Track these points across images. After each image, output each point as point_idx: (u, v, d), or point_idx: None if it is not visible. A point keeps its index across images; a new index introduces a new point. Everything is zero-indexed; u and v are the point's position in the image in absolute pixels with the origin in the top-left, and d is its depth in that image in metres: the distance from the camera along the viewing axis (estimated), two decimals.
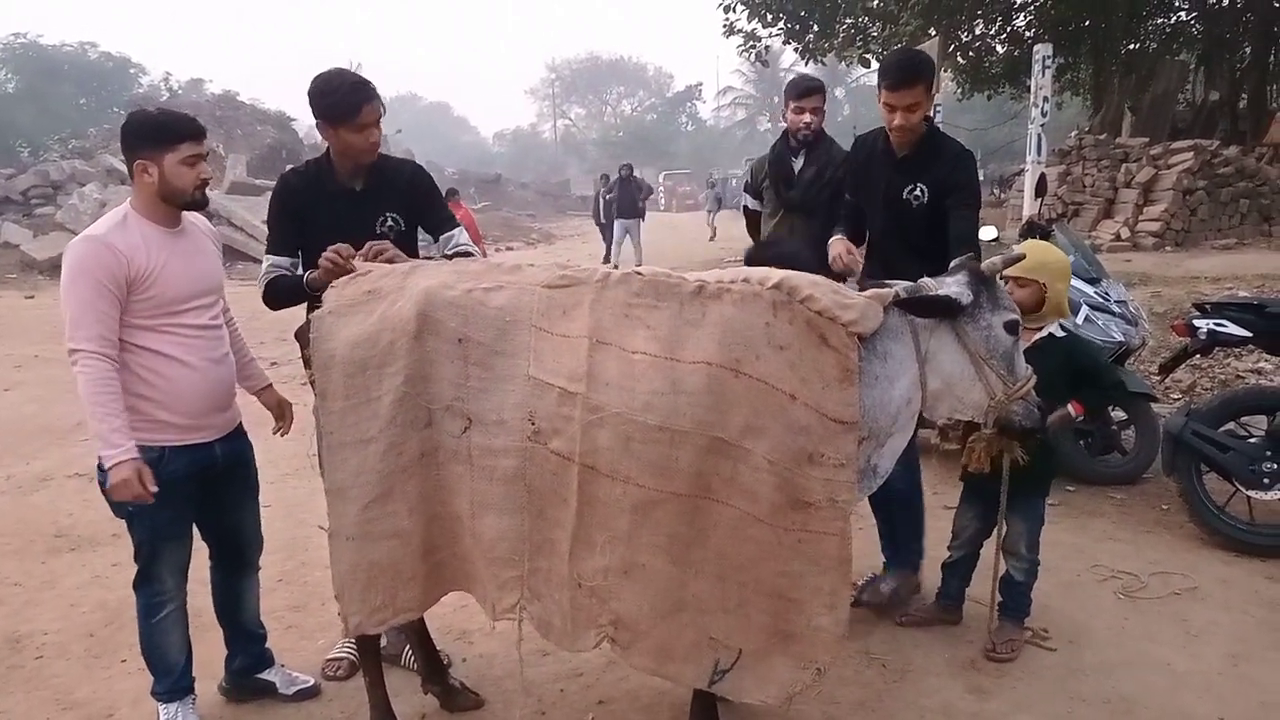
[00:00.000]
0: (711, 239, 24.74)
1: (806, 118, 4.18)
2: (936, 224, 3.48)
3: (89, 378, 2.68)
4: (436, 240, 3.29)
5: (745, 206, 4.65)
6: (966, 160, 3.63)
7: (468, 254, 3.16)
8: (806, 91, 4.20)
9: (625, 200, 17.24)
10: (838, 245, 3.66)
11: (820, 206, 4.16)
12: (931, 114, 3.70)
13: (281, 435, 3.32)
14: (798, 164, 4.25)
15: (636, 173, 18.46)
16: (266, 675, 3.29)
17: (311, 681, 3.32)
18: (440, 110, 79.46)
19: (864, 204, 3.80)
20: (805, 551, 2.43)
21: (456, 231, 3.26)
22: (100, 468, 2.92)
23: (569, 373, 2.43)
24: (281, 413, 3.31)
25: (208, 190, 2.93)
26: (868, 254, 3.82)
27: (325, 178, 3.20)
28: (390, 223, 3.19)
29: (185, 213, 2.95)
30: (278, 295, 3.12)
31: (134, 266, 2.74)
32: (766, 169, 4.40)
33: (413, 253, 3.02)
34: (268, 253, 3.22)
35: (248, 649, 3.29)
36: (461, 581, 2.72)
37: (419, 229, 3.31)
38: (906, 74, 3.44)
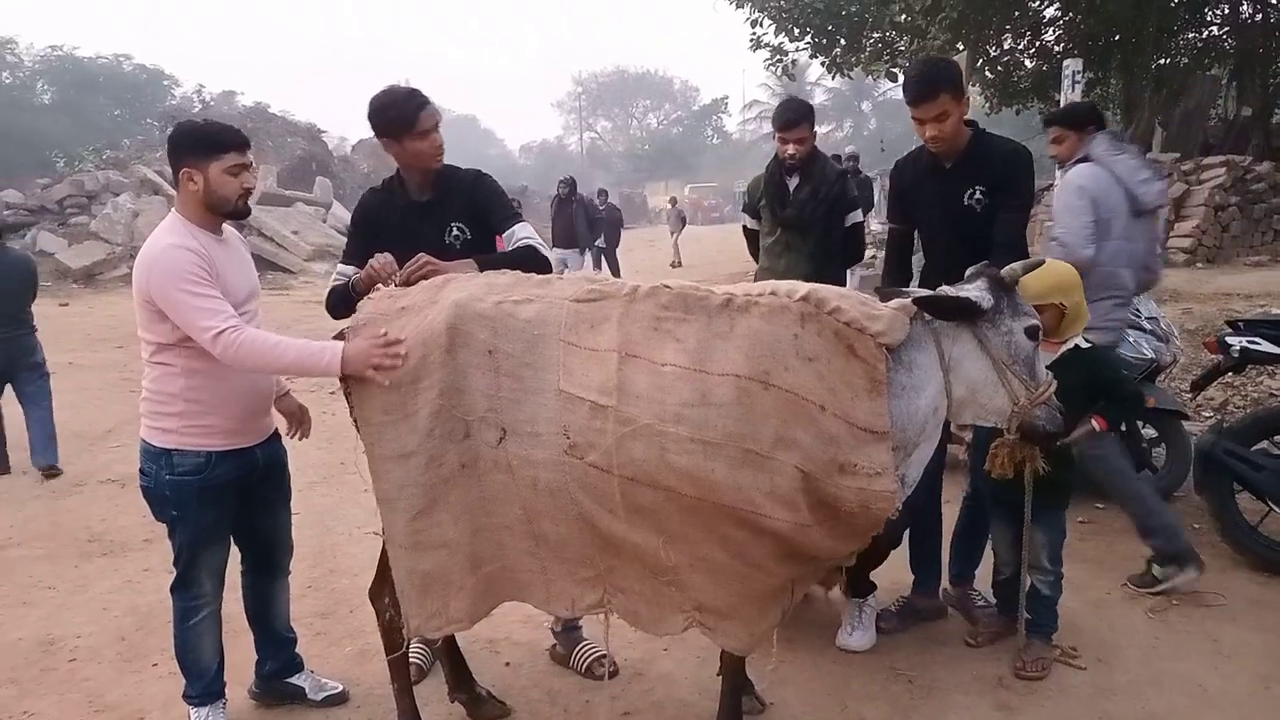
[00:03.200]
0: (675, 264, 21.92)
1: (790, 149, 4.22)
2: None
3: (249, 346, 2.70)
4: (501, 237, 3.26)
5: (744, 226, 4.70)
6: (1019, 158, 3.55)
7: (530, 249, 3.13)
8: (787, 125, 4.23)
9: (561, 225, 13.98)
10: None
11: (815, 224, 4.23)
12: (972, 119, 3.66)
13: (299, 439, 3.32)
14: (792, 183, 4.31)
15: (593, 190, 16.15)
16: (296, 680, 3.33)
17: (340, 688, 3.35)
18: (467, 123, 79.94)
19: (920, 224, 3.78)
20: (837, 534, 2.53)
21: (518, 226, 3.23)
22: (143, 471, 2.96)
23: (599, 386, 2.45)
24: (300, 418, 3.32)
25: (248, 201, 2.99)
26: (929, 270, 3.73)
27: (396, 193, 3.31)
28: (456, 232, 3.24)
29: (224, 222, 3.00)
30: (333, 302, 3.21)
31: (211, 269, 2.79)
32: (763, 189, 4.44)
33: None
34: (340, 262, 3.35)
35: (278, 653, 3.33)
36: (511, 592, 2.76)
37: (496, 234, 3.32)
38: (926, 87, 3.42)
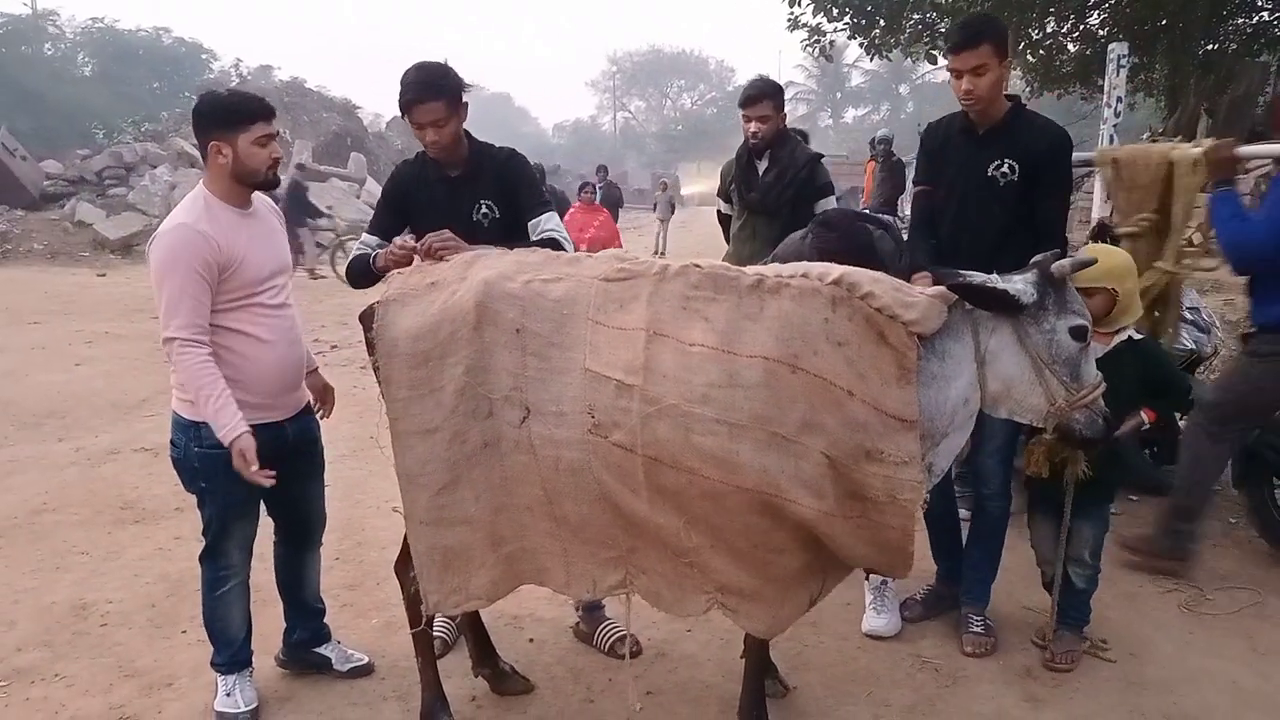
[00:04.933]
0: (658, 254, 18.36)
1: (753, 126, 4.13)
2: (1027, 208, 3.30)
3: (187, 365, 2.75)
4: (527, 225, 3.20)
5: (718, 211, 4.62)
6: (1062, 141, 3.38)
7: (554, 242, 3.07)
8: (749, 100, 4.15)
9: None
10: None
11: (782, 208, 4.11)
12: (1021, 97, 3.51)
13: (323, 417, 3.33)
14: (761, 166, 4.21)
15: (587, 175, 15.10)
16: (323, 650, 3.36)
17: (366, 660, 3.38)
18: (502, 101, 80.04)
19: (939, 192, 3.56)
20: (864, 536, 2.45)
21: (544, 217, 3.18)
22: (173, 443, 2.99)
23: (625, 365, 2.43)
24: (324, 396, 3.33)
25: (277, 171, 2.98)
26: (944, 247, 3.52)
27: (429, 166, 3.26)
28: (485, 210, 3.20)
29: (253, 193, 3.00)
30: (352, 272, 3.20)
31: (223, 251, 2.80)
32: (733, 172, 4.36)
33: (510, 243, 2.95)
34: (366, 231, 3.33)
35: (306, 623, 3.36)
36: (532, 575, 2.74)
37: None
38: (968, 33, 3.26)
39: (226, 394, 2.78)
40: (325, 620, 3.43)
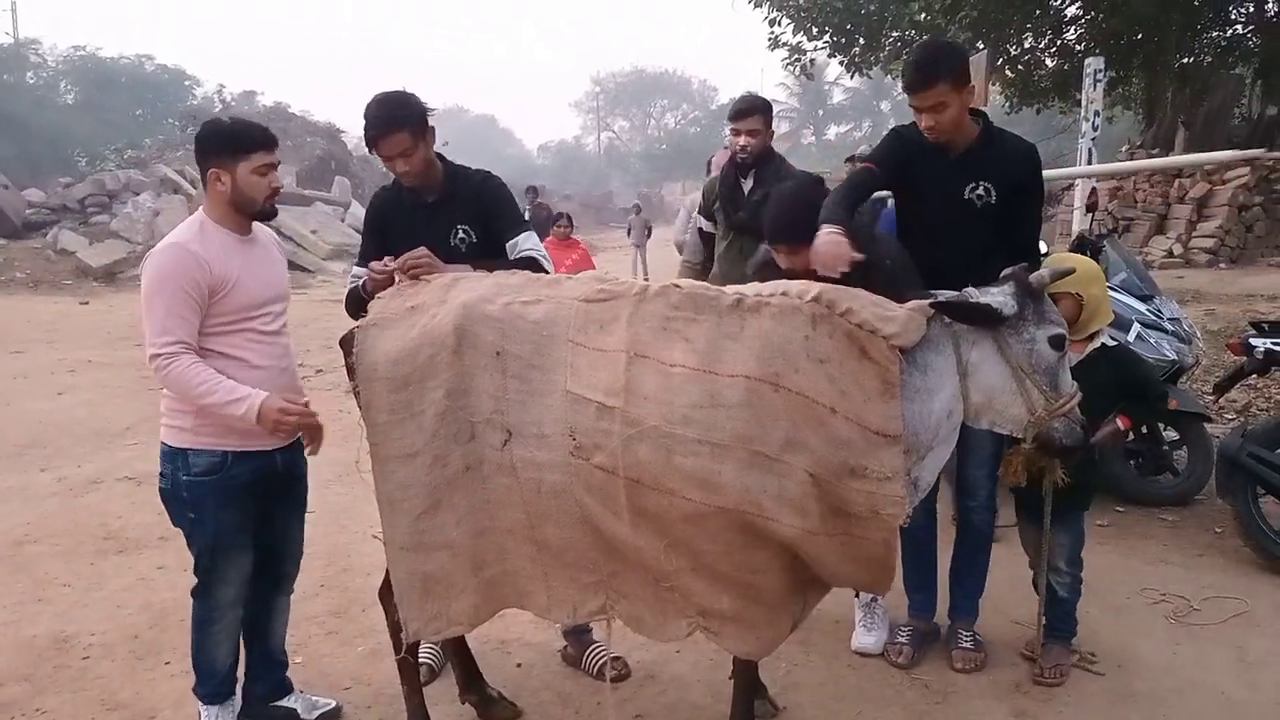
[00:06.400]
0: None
1: (742, 140, 4.10)
2: (1005, 225, 3.26)
3: (180, 371, 2.70)
4: (504, 246, 3.17)
5: (700, 229, 4.55)
6: (1035, 158, 3.36)
7: (532, 261, 3.07)
8: (739, 114, 4.12)
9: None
10: (828, 242, 2.84)
11: None
12: (983, 107, 3.43)
13: (309, 454, 3.15)
14: (747, 185, 4.18)
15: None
16: (287, 702, 3.22)
17: (334, 704, 3.26)
18: (486, 123, 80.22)
19: (909, 204, 3.47)
20: (846, 552, 2.45)
21: (522, 237, 3.17)
22: (161, 473, 2.94)
23: (606, 387, 2.43)
24: (314, 435, 3.21)
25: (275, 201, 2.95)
26: (924, 267, 3.33)
27: (404, 192, 3.23)
28: (462, 234, 3.18)
29: (253, 222, 2.98)
30: (350, 305, 3.14)
31: (215, 274, 2.77)
32: (717, 190, 4.33)
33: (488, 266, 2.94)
34: (355, 263, 3.31)
35: (269, 675, 3.23)
36: (513, 599, 2.73)
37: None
38: (922, 73, 3.13)
39: (224, 379, 2.74)
40: (300, 661, 3.31)
